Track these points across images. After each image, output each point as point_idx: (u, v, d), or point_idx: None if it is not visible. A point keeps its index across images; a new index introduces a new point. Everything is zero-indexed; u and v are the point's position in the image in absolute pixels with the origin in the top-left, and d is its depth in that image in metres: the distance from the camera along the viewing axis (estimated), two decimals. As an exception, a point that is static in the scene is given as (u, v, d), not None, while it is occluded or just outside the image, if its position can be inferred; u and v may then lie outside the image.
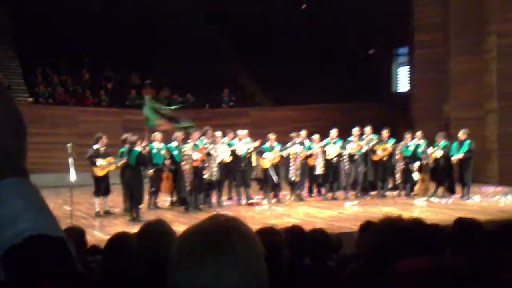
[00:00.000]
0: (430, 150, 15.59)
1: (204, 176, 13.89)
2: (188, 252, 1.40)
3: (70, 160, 12.27)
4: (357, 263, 3.60)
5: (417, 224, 1.93)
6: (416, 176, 15.84)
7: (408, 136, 16.10)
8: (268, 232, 3.67)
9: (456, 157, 15.08)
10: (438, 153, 15.35)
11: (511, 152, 18.79)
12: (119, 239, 3.77)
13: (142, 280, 3.17)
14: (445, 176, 15.51)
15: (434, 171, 15.56)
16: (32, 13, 24.82)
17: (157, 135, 14.56)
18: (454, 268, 1.45)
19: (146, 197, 13.95)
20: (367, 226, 4.70)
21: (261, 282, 1.44)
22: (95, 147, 13.63)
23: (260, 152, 15.15)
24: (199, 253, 1.38)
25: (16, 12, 24.64)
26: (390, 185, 16.54)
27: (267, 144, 15.30)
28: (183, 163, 13.77)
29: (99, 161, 13.40)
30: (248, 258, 1.40)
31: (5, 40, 24.96)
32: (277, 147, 15.35)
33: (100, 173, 13.49)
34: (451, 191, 15.47)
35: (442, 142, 15.51)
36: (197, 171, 13.77)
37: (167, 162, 14.38)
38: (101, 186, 13.55)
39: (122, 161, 13.09)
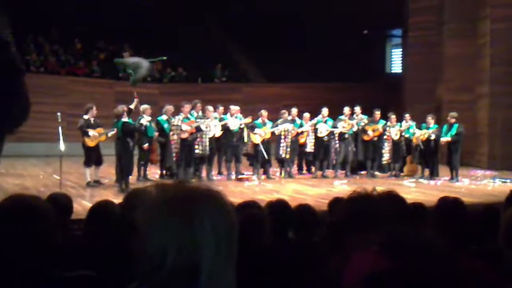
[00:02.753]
0: (419, 132, 15.62)
1: (196, 151, 13.95)
2: (153, 219, 1.41)
3: (60, 130, 12.25)
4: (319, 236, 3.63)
5: (387, 197, 1.93)
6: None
7: (393, 117, 16.11)
8: (249, 206, 3.69)
9: (445, 139, 15.19)
10: (431, 136, 15.36)
11: (501, 137, 18.87)
12: (101, 207, 3.78)
13: (123, 248, 3.18)
14: (431, 159, 15.61)
15: (422, 153, 15.62)
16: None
17: (148, 109, 14.47)
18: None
19: (135, 169, 13.99)
20: (335, 203, 4.77)
21: (231, 250, 1.46)
22: (86, 117, 13.59)
23: (251, 127, 15.14)
24: (164, 220, 1.39)
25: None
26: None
27: (259, 120, 15.29)
28: (171, 133, 13.80)
29: (91, 132, 13.37)
30: (216, 225, 1.42)
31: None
32: (269, 123, 15.36)
33: (91, 143, 13.46)
34: (435, 173, 15.58)
35: (432, 125, 15.57)
36: (185, 144, 13.79)
37: (156, 134, 14.42)
38: (92, 156, 13.49)
39: (113, 132, 13.09)
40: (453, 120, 15.29)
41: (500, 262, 2.68)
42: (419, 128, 15.73)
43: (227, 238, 1.44)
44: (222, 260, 1.43)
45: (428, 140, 15.46)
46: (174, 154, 13.79)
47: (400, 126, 15.93)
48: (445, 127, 15.47)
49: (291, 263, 3.33)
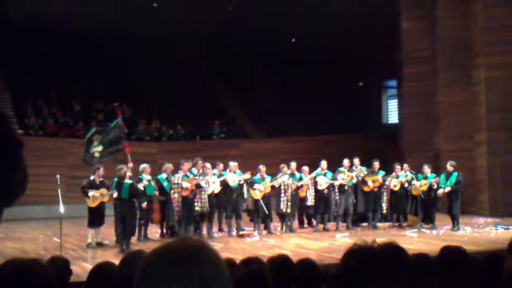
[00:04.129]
0: (418, 183, 15.59)
1: (196, 208, 13.92)
2: (154, 274, 1.38)
3: (59, 192, 12.25)
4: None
5: (388, 248, 1.92)
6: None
7: (398, 167, 16.17)
8: (251, 262, 3.66)
9: (444, 189, 15.18)
10: (434, 186, 15.34)
11: (501, 183, 18.84)
12: (101, 269, 3.76)
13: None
14: (431, 207, 15.57)
15: (423, 203, 15.58)
16: (23, 44, 24.86)
17: (147, 168, 14.52)
18: None
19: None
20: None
21: None
22: (91, 177, 13.63)
23: (251, 183, 15.13)
24: (165, 276, 1.36)
25: (6, 42, 24.67)
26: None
27: (258, 176, 15.29)
28: (172, 191, 13.81)
29: (91, 192, 13.37)
30: (216, 282, 1.39)
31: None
32: (268, 178, 15.35)
33: (92, 204, 13.45)
34: (431, 221, 15.53)
35: (429, 174, 15.59)
36: (186, 201, 13.80)
37: (156, 193, 14.39)
38: (95, 217, 13.48)
39: (115, 193, 13.04)
40: (451, 169, 15.32)
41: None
42: (417, 178, 15.74)
43: None
44: None
45: (429, 189, 15.45)
46: (175, 213, 13.77)
47: (404, 176, 15.93)
48: (443, 176, 15.49)
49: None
